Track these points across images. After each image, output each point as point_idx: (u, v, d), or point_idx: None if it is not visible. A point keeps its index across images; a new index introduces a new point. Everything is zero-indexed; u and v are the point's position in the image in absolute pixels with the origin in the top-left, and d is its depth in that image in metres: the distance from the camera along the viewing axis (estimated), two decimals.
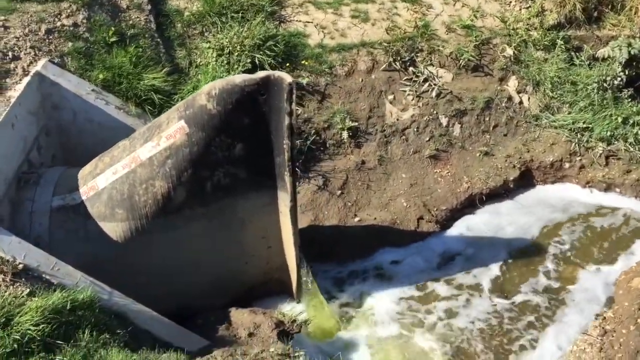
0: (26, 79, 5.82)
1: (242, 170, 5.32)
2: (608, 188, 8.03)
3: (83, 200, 5.29)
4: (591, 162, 8.05)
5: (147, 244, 5.32)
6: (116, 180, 5.20)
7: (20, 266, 4.30)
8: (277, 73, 4.95)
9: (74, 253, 5.05)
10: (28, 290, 4.16)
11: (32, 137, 5.79)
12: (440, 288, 6.66)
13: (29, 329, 3.75)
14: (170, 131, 5.04)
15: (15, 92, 5.64)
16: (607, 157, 8.06)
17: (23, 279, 4.25)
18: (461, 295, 6.58)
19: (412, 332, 6.09)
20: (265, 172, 5.39)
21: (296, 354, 4.69)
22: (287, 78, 4.90)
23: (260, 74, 4.98)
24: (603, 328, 5.89)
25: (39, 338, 3.75)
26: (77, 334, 3.96)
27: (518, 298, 6.57)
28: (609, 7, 8.76)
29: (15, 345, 3.66)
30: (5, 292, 4.06)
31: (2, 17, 6.30)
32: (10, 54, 6.02)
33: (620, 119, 8.01)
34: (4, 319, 3.76)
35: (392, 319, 6.23)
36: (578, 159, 8.06)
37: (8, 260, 4.25)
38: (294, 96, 4.95)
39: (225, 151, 5.16)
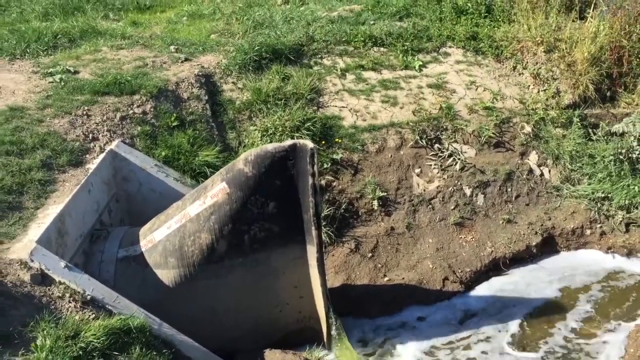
0: (102, 155, 7.03)
1: (275, 225, 6.20)
2: (630, 253, 8.43)
3: (142, 251, 6.30)
4: (612, 229, 8.52)
5: (193, 289, 6.20)
6: (170, 233, 6.20)
7: (89, 297, 5.25)
8: (302, 141, 5.95)
9: (133, 295, 5.98)
10: (93, 315, 5.09)
11: (105, 202, 6.93)
12: (461, 340, 7.15)
13: (92, 341, 4.65)
14: (214, 191, 6.04)
15: (92, 165, 6.85)
16: (627, 224, 8.52)
17: (90, 307, 5.19)
18: (480, 347, 7.05)
19: None
20: (295, 227, 6.25)
21: None
22: (309, 144, 5.88)
23: (288, 142, 5.99)
24: None
25: (99, 347, 4.63)
26: (130, 349, 4.83)
27: (536, 352, 6.97)
28: (622, 87, 9.50)
29: (81, 352, 4.54)
30: (76, 315, 5.00)
31: (86, 108, 7.65)
32: (90, 135, 7.31)
33: (637, 189, 8.52)
34: (73, 333, 4.67)
35: None
36: (598, 226, 8.56)
37: (79, 292, 5.22)
38: (315, 159, 5.91)
39: (260, 208, 6.08)
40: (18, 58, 9.14)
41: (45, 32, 9.74)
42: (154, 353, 4.95)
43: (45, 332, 4.61)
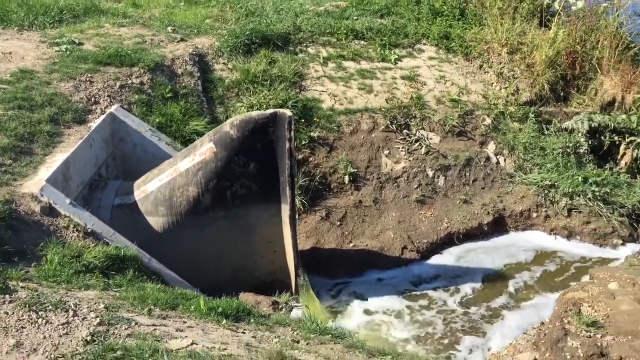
0: (102, 117, 7.85)
1: (254, 184, 7.05)
2: (570, 235, 9.41)
3: (136, 200, 7.14)
4: (555, 213, 9.51)
5: (180, 236, 7.05)
6: (161, 185, 7.04)
7: (89, 230, 6.08)
8: (281, 110, 6.84)
9: (127, 237, 6.79)
10: (93, 244, 5.92)
11: (103, 158, 7.75)
12: (414, 298, 8.08)
13: (92, 261, 5.49)
14: (203, 150, 6.90)
15: (94, 124, 7.67)
16: (569, 210, 9.50)
17: (90, 238, 6.02)
18: (431, 304, 7.99)
19: (386, 326, 7.50)
20: (272, 187, 7.11)
21: (281, 308, 6.22)
22: (288, 113, 6.76)
23: (270, 110, 6.87)
24: (540, 329, 7.18)
25: (99, 266, 5.47)
26: (125, 271, 5.67)
27: (478, 309, 7.93)
28: (575, 89, 10.53)
29: (83, 269, 5.38)
30: (78, 242, 5.83)
31: (90, 75, 8.47)
32: (92, 99, 8.13)
33: (581, 179, 9.52)
34: (76, 253, 5.50)
35: (371, 317, 7.66)
36: (544, 210, 9.54)
37: (81, 225, 6.04)
38: (293, 126, 6.79)
39: (242, 168, 6.94)
40: (26, 29, 9.92)
41: (51, 7, 10.54)
42: (145, 277, 5.80)
43: (53, 250, 5.44)
